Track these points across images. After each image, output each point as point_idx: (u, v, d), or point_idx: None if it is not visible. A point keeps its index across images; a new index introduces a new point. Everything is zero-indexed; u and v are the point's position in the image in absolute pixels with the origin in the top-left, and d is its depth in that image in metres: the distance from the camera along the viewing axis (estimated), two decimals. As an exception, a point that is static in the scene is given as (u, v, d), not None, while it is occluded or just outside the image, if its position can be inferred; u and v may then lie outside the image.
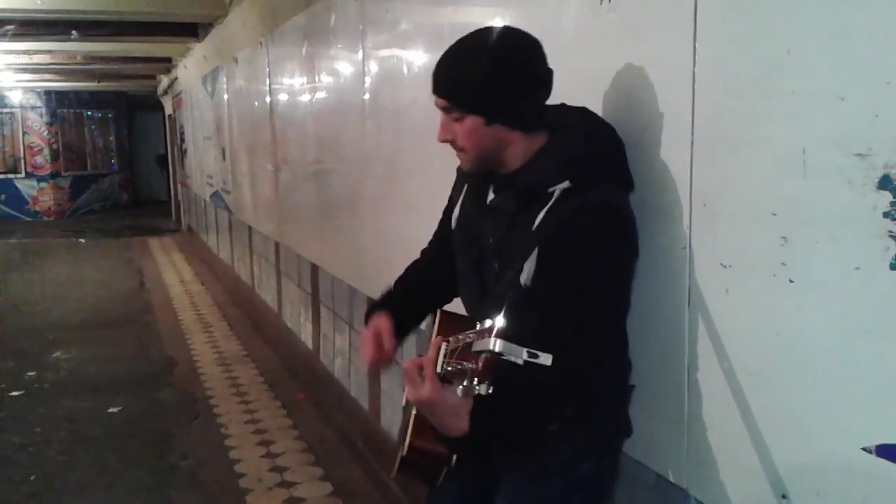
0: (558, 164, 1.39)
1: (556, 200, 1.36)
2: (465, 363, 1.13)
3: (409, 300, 1.74)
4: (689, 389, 1.47)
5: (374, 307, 1.72)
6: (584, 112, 1.50)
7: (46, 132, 15.49)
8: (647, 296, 1.53)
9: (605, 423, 1.52)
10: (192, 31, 7.02)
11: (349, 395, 4.06)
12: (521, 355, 1.08)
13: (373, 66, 3.18)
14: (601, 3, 1.62)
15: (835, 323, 1.16)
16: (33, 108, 15.39)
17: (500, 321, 1.10)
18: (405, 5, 2.83)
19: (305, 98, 4.35)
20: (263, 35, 5.19)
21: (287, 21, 4.51)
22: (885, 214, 1.06)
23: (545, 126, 1.45)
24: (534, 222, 1.37)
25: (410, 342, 1.86)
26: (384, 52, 3.07)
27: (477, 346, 1.12)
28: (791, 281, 1.22)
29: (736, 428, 1.36)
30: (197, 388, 4.84)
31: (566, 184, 1.36)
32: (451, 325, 1.56)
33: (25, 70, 10.99)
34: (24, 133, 15.37)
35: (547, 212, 1.36)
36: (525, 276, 1.36)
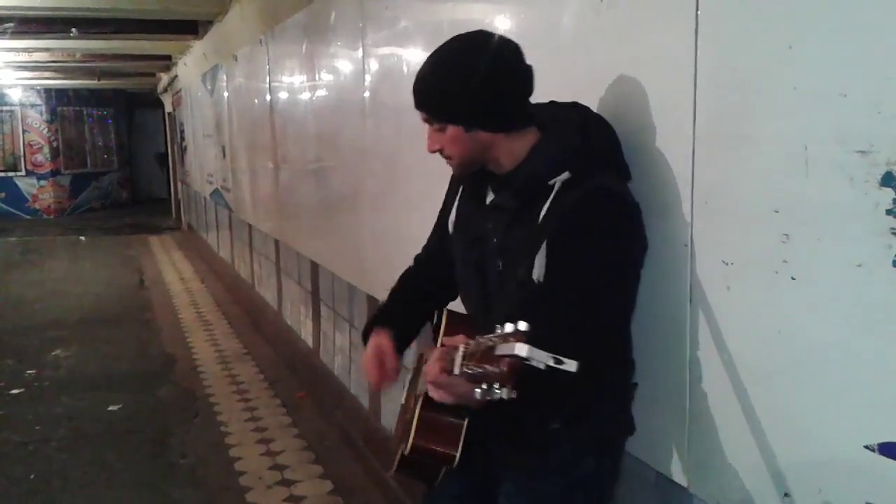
0: (556, 156, 1.40)
1: (557, 192, 1.37)
2: (487, 366, 1.12)
3: (407, 312, 1.73)
4: (691, 387, 1.47)
5: (372, 323, 1.71)
6: (575, 107, 1.51)
7: (46, 130, 15.49)
8: (649, 293, 1.52)
9: (608, 421, 1.51)
10: (191, 28, 7.01)
11: (349, 393, 4.05)
12: (547, 361, 1.07)
13: (373, 64, 3.17)
14: (601, 0, 1.62)
15: (837, 320, 1.16)
16: (33, 105, 15.38)
17: (523, 325, 1.10)
18: (405, 3, 2.82)
19: (305, 96, 4.34)
20: (263, 33, 5.19)
21: (287, 18, 4.51)
22: (888, 212, 1.06)
23: (534, 124, 1.46)
24: (538, 217, 1.37)
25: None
26: (384, 50, 3.06)
27: (501, 350, 1.10)
28: (793, 278, 1.22)
29: (737, 426, 1.35)
30: (197, 386, 4.84)
31: (566, 175, 1.37)
32: (458, 324, 1.55)
33: (25, 68, 10.98)
34: (23, 131, 15.36)
35: (550, 204, 1.37)
36: (537, 272, 1.36)
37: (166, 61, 10.09)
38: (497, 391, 1.09)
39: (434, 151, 1.49)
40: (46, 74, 12.01)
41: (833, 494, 1.19)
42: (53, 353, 5.65)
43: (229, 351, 5.65)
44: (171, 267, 9.49)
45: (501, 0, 2.11)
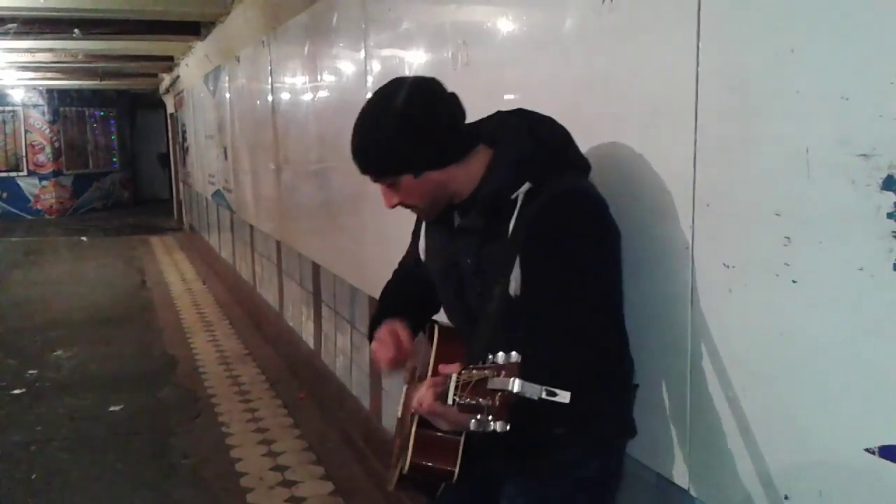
0: (513, 169, 1.40)
1: (522, 204, 1.37)
2: (480, 400, 1.12)
3: (408, 304, 1.74)
4: (692, 389, 1.47)
5: (377, 318, 1.71)
6: (520, 113, 1.52)
7: (48, 130, 15.51)
8: (650, 296, 1.52)
9: (609, 423, 1.51)
10: (194, 29, 7.01)
11: (350, 394, 4.05)
12: (540, 394, 1.07)
13: (375, 65, 3.18)
14: (603, 2, 1.62)
15: (838, 323, 1.16)
16: (35, 106, 15.40)
17: (514, 356, 1.10)
18: (407, 4, 2.82)
19: (307, 97, 4.35)
20: (265, 34, 5.19)
21: (289, 20, 4.51)
22: (889, 215, 1.06)
23: (482, 141, 1.46)
24: (506, 233, 1.38)
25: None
26: (386, 51, 3.06)
27: (493, 385, 1.11)
28: (794, 281, 1.22)
29: (738, 428, 1.35)
30: (198, 387, 4.84)
31: (527, 185, 1.37)
32: (449, 342, 1.55)
33: (27, 68, 11.00)
34: (26, 131, 15.38)
35: (516, 218, 1.37)
36: (514, 287, 1.36)
37: (168, 62, 10.10)
38: (491, 424, 1.10)
39: (394, 206, 1.51)
40: (49, 75, 12.03)
41: (833, 497, 1.19)
42: (55, 354, 5.65)
43: (231, 352, 5.66)
44: (172, 268, 9.50)
45: (503, 2, 2.11)
